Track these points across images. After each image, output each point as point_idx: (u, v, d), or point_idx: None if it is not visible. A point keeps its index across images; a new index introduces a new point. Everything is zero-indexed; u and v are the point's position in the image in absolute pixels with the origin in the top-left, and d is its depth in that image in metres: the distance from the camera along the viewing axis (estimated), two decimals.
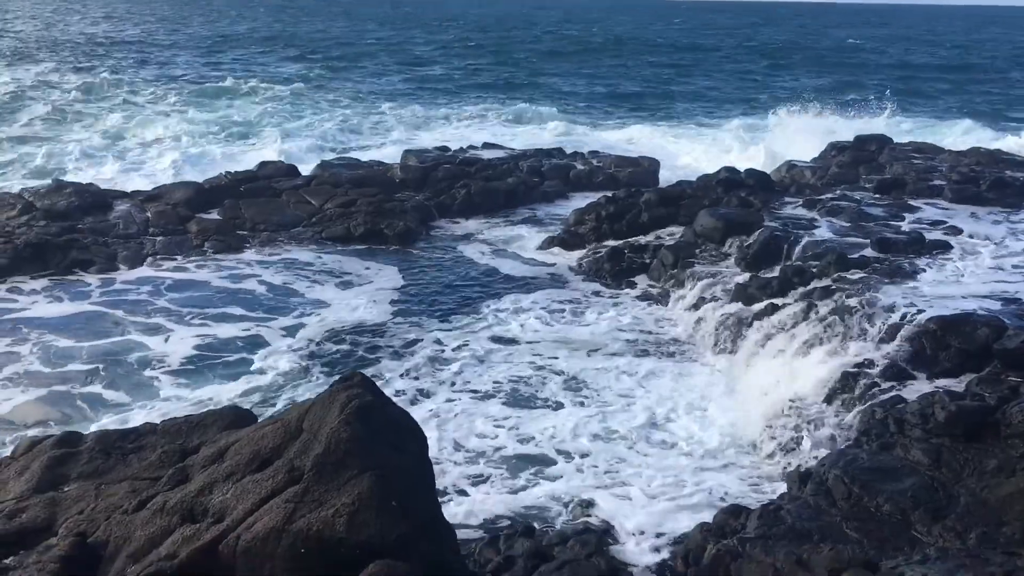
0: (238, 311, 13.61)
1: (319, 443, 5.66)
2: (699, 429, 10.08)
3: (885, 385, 9.58)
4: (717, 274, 14.16)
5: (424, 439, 6.24)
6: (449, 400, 10.77)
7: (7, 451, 8.94)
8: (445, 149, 24.16)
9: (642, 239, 16.60)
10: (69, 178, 20.56)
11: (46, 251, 15.53)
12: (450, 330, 12.97)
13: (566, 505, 8.49)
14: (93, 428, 9.10)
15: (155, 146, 27.49)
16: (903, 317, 10.42)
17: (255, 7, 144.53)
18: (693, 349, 12.50)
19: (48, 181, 18.80)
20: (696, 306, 13.43)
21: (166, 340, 12.41)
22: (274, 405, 10.45)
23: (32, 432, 9.33)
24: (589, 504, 8.39)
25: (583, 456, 9.46)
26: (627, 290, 14.89)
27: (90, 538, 5.77)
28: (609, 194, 18.70)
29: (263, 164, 21.77)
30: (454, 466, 9.21)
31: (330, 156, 24.59)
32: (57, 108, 33.08)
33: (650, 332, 13.06)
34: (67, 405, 10.47)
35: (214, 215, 18.39)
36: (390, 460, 5.67)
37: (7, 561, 5.80)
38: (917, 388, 9.35)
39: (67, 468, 6.76)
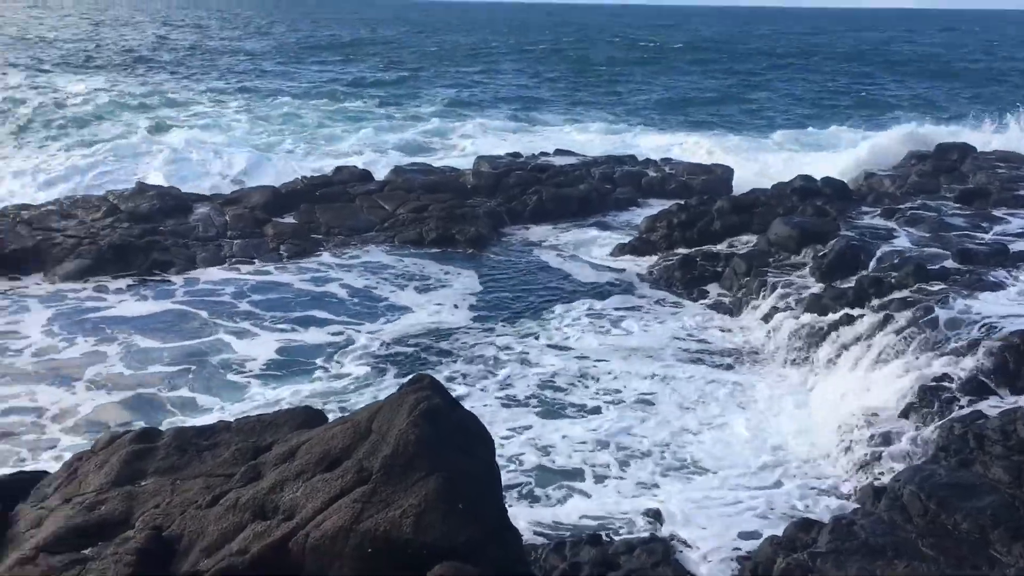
0: (321, 314, 13.84)
1: (387, 444, 5.72)
2: (769, 440, 9.89)
3: (965, 400, 9.27)
4: (791, 284, 13.90)
5: (492, 444, 6.25)
6: (507, 405, 10.78)
7: (77, 449, 9.28)
8: (517, 155, 24.24)
9: (714, 247, 16.40)
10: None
11: (128, 252, 16.03)
12: (520, 335, 13.01)
13: (628, 514, 8.41)
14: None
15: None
16: (985, 330, 10.08)
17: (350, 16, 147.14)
18: (765, 359, 12.30)
19: (132, 185, 19.36)
20: (769, 316, 13.21)
21: (249, 341, 12.68)
22: (349, 406, 10.59)
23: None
24: (654, 514, 8.29)
25: (648, 465, 9.37)
26: (698, 299, 14.74)
27: (165, 532, 5.91)
28: (681, 202, 18.53)
29: (338, 169, 22.14)
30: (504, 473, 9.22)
31: (406, 162, 24.85)
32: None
33: (718, 342, 12.90)
34: (150, 405, 10.73)
35: (290, 219, 18.75)
36: (458, 463, 5.69)
37: (86, 551, 5.97)
38: (998, 404, 9.03)
39: (144, 463, 6.94)
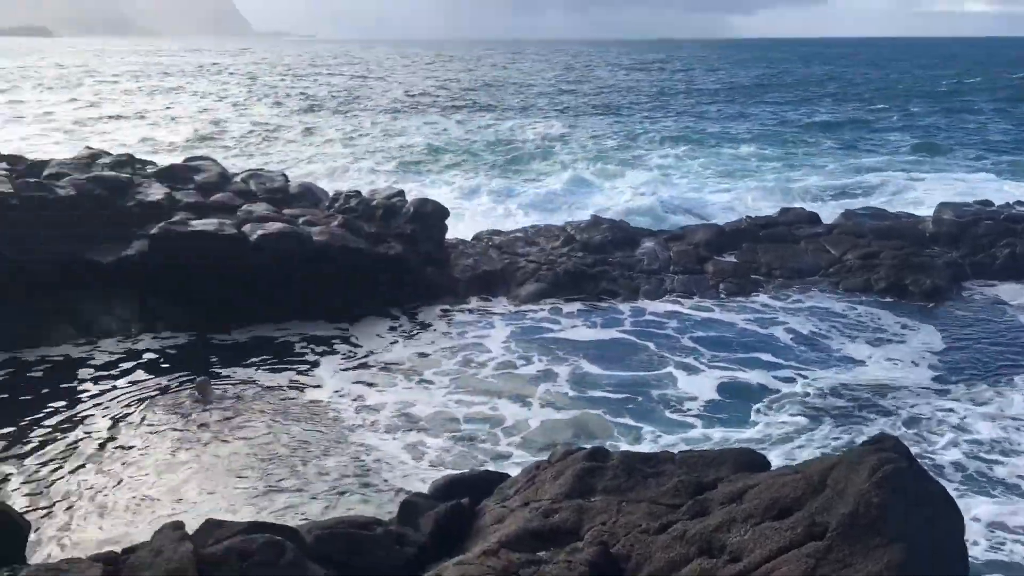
0: (764, 356, 13.75)
1: (845, 503, 5.43)
2: None
3: None
4: None
5: (961, 521, 5.66)
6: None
7: (525, 458, 10.03)
8: (987, 203, 21.95)
9: None
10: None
11: (581, 279, 17.22)
12: (976, 402, 11.70)
13: None
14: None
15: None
16: None
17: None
18: None
19: (588, 217, 20.73)
20: None
21: (691, 376, 12.90)
22: (787, 453, 10.30)
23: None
24: None
25: None
26: None
27: (612, 548, 6.18)
28: None
29: (784, 210, 21.77)
30: None
31: (856, 205, 23.68)
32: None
33: None
34: (594, 427, 11.33)
35: (731, 257, 18.81)
36: (922, 535, 5.23)
37: (541, 554, 6.44)
38: None
39: (595, 480, 7.32)
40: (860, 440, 10.26)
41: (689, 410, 11.76)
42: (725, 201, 25.71)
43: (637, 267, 18.19)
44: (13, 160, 17.59)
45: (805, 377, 12.76)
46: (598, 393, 12.34)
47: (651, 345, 14.20)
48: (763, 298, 16.65)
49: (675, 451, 8.03)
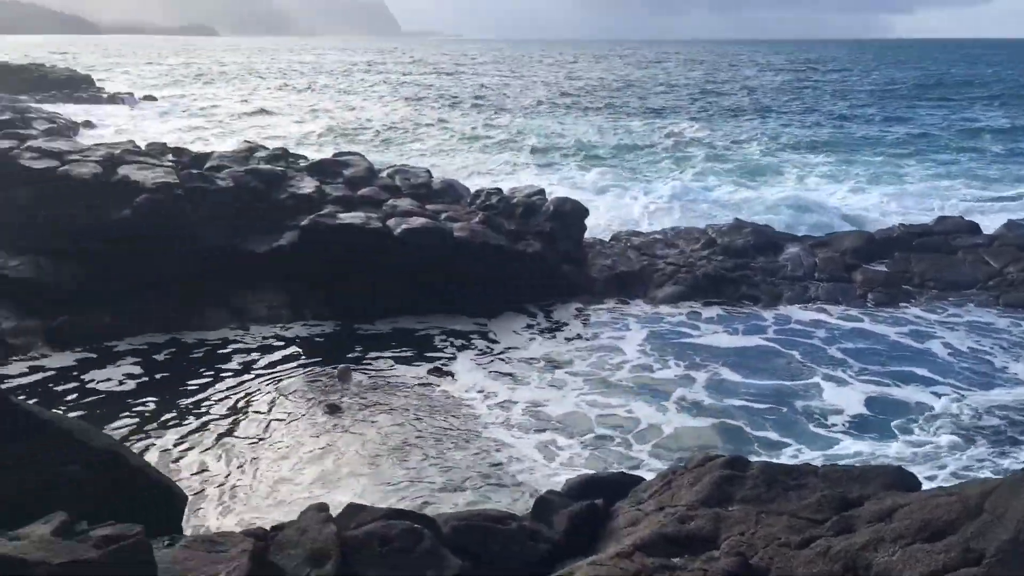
0: (918, 370, 13.16)
1: (1005, 529, 5.14)
2: None
3: None
4: None
5: None
6: None
7: (658, 465, 9.91)
8: None
9: None
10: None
11: (720, 283, 16.90)
12: None
13: None
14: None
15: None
16: None
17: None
18: None
19: (731, 220, 20.32)
20: None
21: (838, 389, 12.47)
22: (937, 473, 9.82)
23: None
24: None
25: None
26: None
27: (750, 560, 6.04)
28: None
29: (941, 219, 20.73)
30: None
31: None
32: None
33: None
34: (731, 436, 11.08)
35: (881, 267, 18.05)
36: None
37: (675, 560, 6.37)
38: None
39: (733, 489, 7.19)
40: (1019, 466, 9.70)
41: (834, 424, 11.34)
42: (876, 207, 24.69)
43: (780, 273, 17.70)
44: (179, 152, 18.69)
45: (962, 396, 12.10)
46: (737, 401, 12.06)
47: (795, 354, 13.77)
48: (916, 310, 15.90)
49: (817, 464, 7.80)
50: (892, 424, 11.28)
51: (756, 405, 11.91)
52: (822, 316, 15.60)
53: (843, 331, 14.83)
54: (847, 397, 12.12)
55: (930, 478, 9.47)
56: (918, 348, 14.02)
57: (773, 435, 11.04)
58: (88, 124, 36.86)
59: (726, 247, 18.64)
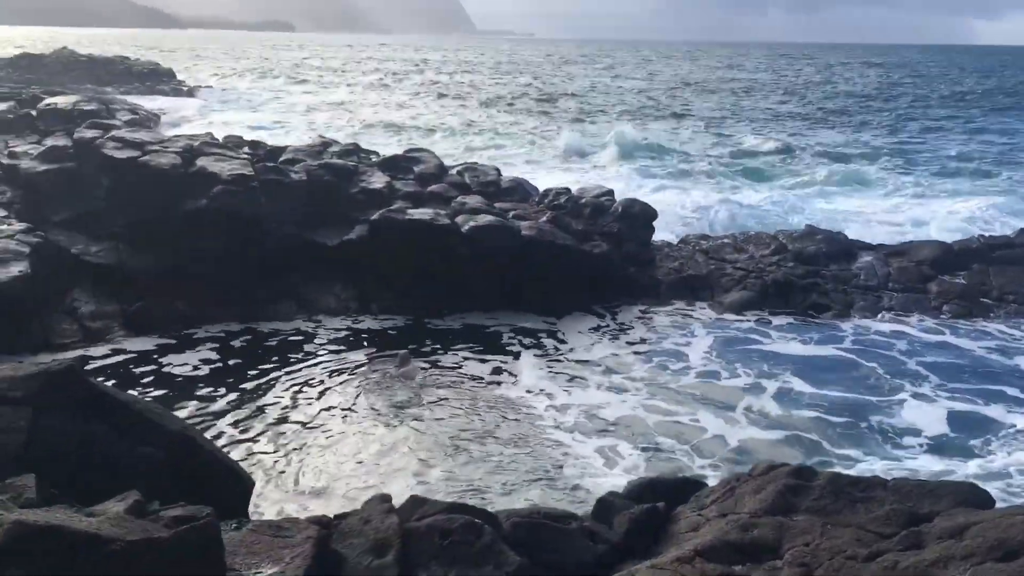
0: (1006, 389, 12.74)
1: None
2: None
3: None
4: None
5: None
6: None
7: (722, 475, 9.77)
8: None
9: None
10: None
11: (790, 291, 16.63)
12: None
13: None
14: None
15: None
16: None
17: None
18: None
19: (802, 226, 19.98)
20: None
21: (917, 403, 12.16)
22: (1014, 492, 9.53)
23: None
24: None
25: None
26: None
27: (813, 572, 5.95)
28: None
29: (1022, 231, 20.07)
30: None
31: None
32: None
33: None
34: (800, 448, 10.83)
35: (959, 278, 17.57)
36: None
37: (736, 568, 6.29)
38: None
39: (798, 499, 7.07)
40: None
41: (911, 440, 11.03)
42: (956, 217, 24.00)
43: (852, 282, 17.34)
44: (254, 145, 19.10)
45: None
46: (808, 413, 11.79)
47: (874, 366, 13.42)
48: (999, 325, 15.45)
49: (892, 479, 7.61)
50: (972, 443, 10.94)
51: (829, 418, 11.62)
52: (901, 327, 15.23)
53: (924, 344, 14.45)
54: (927, 413, 11.78)
55: (1006, 497, 9.20)
56: (1006, 364, 13.58)
57: (846, 449, 10.76)
58: (168, 115, 37.87)
59: (797, 253, 18.33)
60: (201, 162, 16.22)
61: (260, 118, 43.34)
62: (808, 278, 17.12)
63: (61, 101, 22.97)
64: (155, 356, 12.95)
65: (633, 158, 33.32)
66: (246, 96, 56.54)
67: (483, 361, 13.35)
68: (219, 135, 19.76)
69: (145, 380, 12.08)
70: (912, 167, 33.49)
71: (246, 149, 18.36)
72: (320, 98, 56.45)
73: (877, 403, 12.13)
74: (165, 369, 12.51)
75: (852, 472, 9.53)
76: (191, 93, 54.50)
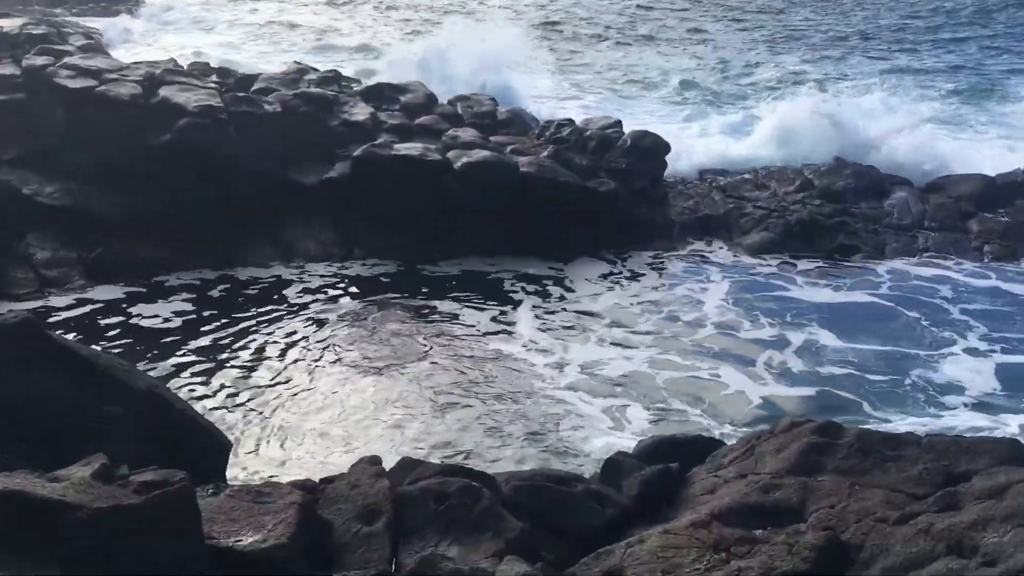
0: None
1: None
2: None
3: None
4: None
5: None
6: None
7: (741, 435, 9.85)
8: None
9: None
10: None
11: (815, 231, 16.60)
12: None
13: None
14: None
15: None
16: None
17: None
18: None
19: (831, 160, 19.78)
20: None
21: (958, 355, 12.17)
22: None
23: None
24: None
25: None
26: None
27: (842, 535, 6.03)
28: None
29: None
30: None
31: None
32: None
33: None
34: (826, 404, 10.82)
35: (1002, 215, 17.54)
36: None
37: (756, 532, 6.38)
38: None
39: (823, 458, 7.15)
40: None
41: (955, 400, 11.01)
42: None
43: (883, 221, 17.30)
44: (223, 73, 18.90)
45: None
46: (838, 369, 11.75)
47: (911, 314, 13.40)
48: None
49: (927, 435, 7.67)
50: (1018, 396, 10.98)
51: (863, 374, 11.58)
52: (943, 272, 15.16)
53: (971, 290, 14.42)
54: (974, 367, 11.76)
55: None
56: None
57: (881, 410, 10.74)
58: (122, 37, 37.19)
59: (824, 190, 18.20)
60: (164, 92, 16.04)
61: (217, 41, 42.40)
62: (835, 217, 17.08)
63: (6, 24, 22.61)
64: (123, 306, 12.92)
65: None
66: (196, 15, 55.22)
67: (481, 310, 13.39)
68: (183, 61, 19.53)
69: (111, 333, 12.09)
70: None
71: (214, 77, 18.16)
72: (287, 17, 55.29)
73: (917, 356, 12.08)
74: (133, 321, 12.52)
75: (886, 428, 9.65)
76: (130, 11, 53.12)
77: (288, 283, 14.05)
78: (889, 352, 12.27)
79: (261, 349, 11.81)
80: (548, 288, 14.36)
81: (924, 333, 12.86)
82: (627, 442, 9.40)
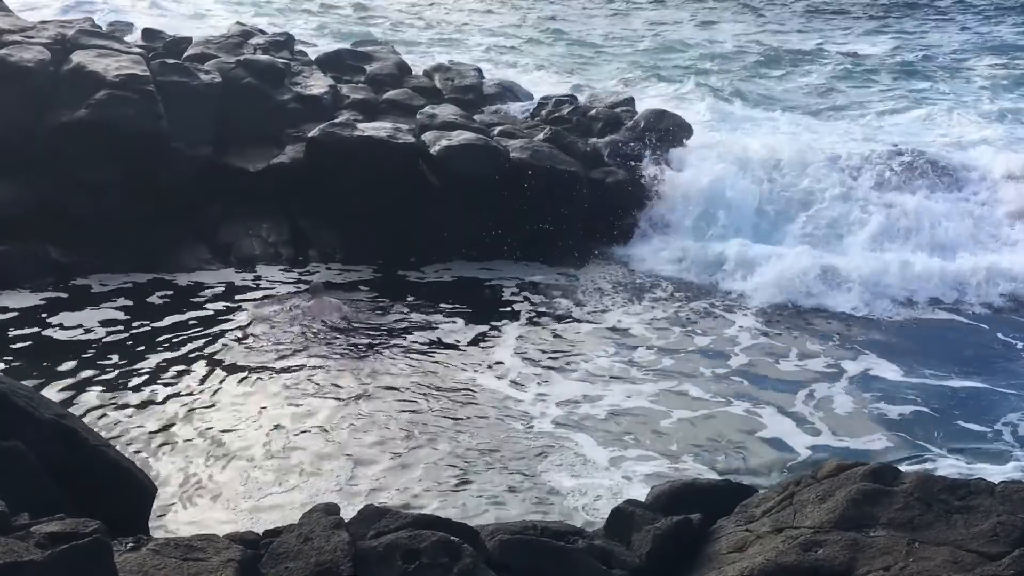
0: None
1: None
2: None
3: None
4: None
5: None
6: None
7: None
8: None
9: None
10: None
11: None
12: None
13: None
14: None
15: None
16: None
17: None
18: None
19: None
20: None
21: None
22: None
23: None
24: None
25: None
26: None
27: None
28: None
29: None
30: None
31: None
32: None
33: None
34: (885, 451, 10.80)
35: None
36: None
37: None
38: None
39: (877, 508, 7.15)
40: None
41: None
42: None
43: None
44: (149, 35, 18.87)
45: None
46: (900, 408, 11.70)
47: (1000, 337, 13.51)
48: None
49: (1001, 481, 7.68)
50: None
51: (929, 412, 11.58)
52: None
53: None
54: None
55: None
56: None
57: (953, 454, 10.73)
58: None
59: None
60: (78, 58, 16.01)
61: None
62: None
63: None
64: (46, 315, 12.91)
65: None
66: None
67: (465, 324, 13.48)
68: (102, 21, 19.53)
69: (20, 346, 12.09)
70: None
71: (138, 40, 18.16)
72: None
73: (1000, 385, 12.10)
74: (47, 333, 12.50)
75: (947, 472, 9.67)
76: None
77: (231, 290, 14.04)
78: (967, 387, 12.21)
79: (196, 371, 11.78)
80: (543, 298, 14.47)
81: (1007, 355, 12.90)
82: (637, 489, 9.39)
